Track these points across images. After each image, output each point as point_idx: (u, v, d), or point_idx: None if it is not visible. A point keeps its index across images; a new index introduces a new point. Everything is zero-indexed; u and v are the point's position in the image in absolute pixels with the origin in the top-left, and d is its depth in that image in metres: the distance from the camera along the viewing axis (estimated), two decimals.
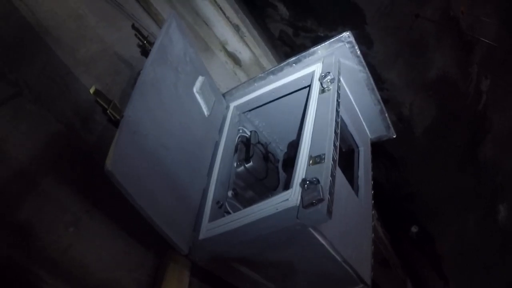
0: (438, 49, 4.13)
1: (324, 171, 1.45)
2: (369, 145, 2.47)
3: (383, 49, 4.00)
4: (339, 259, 1.61)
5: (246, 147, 2.28)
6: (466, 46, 4.15)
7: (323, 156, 1.52)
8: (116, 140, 1.43)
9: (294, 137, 2.53)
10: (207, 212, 1.81)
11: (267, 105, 2.40)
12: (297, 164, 1.60)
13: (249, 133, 2.40)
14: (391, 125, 2.46)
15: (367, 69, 2.19)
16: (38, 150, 1.90)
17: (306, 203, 1.33)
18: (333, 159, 1.53)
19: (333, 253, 1.56)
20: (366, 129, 2.47)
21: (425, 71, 4.18)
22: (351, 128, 2.27)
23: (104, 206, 2.03)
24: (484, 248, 4.41)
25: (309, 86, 2.12)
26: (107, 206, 2.04)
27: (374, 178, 2.36)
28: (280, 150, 2.70)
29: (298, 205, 1.42)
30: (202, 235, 1.73)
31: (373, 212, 2.16)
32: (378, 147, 2.58)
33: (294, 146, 2.41)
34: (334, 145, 1.60)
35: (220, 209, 1.89)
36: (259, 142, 2.39)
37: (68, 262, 1.82)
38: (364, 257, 1.87)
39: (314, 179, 1.39)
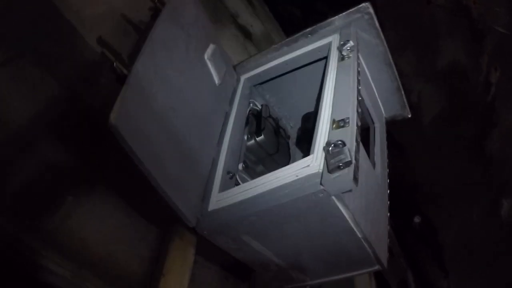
0: (449, 37, 3.96)
1: (350, 135, 1.29)
2: (384, 123, 2.31)
3: (393, 35, 3.84)
4: (359, 235, 1.45)
5: (257, 120, 2.12)
6: (477, 35, 3.98)
7: (348, 120, 1.36)
8: (122, 94, 1.27)
9: (306, 112, 2.37)
10: (217, 182, 1.65)
11: (279, 78, 2.24)
12: (317, 129, 1.44)
13: (260, 107, 2.23)
14: (406, 104, 2.30)
15: (385, 42, 2.04)
16: (38, 114, 1.75)
17: (332, 167, 1.17)
18: (357, 124, 1.38)
19: (354, 227, 1.40)
20: (381, 106, 2.31)
21: (436, 59, 4.01)
22: (367, 103, 2.11)
23: (106, 176, 1.88)
24: (486, 243, 4.26)
25: (326, 57, 1.97)
26: (109, 176, 1.89)
27: None
28: (290, 127, 2.54)
29: (321, 171, 1.26)
30: (211, 206, 1.56)
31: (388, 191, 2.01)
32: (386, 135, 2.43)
33: (309, 118, 2.26)
34: (357, 111, 1.45)
35: (231, 180, 1.72)
36: (270, 116, 2.23)
37: (65, 233, 1.66)
38: (382, 237, 1.71)
39: (339, 142, 1.23)
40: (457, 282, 4.46)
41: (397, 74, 2.18)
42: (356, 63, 1.75)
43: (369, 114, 2.17)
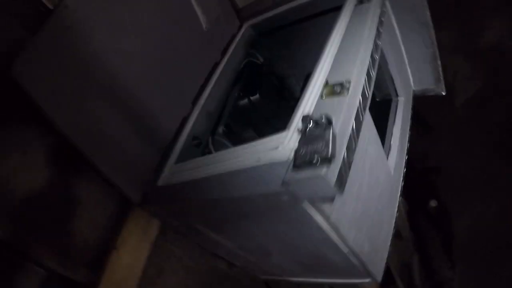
0: (498, 15, 3.15)
1: (344, 108, 0.75)
2: (411, 97, 1.71)
3: (436, 2, 3.09)
4: (344, 250, 0.95)
5: (254, 76, 1.58)
6: None
7: (347, 85, 0.82)
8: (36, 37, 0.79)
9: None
10: (177, 150, 1.16)
11: (291, 27, 1.67)
12: (304, 95, 0.90)
13: (261, 60, 1.68)
14: (442, 77, 1.69)
15: None
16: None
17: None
18: (363, 94, 0.84)
19: (336, 242, 0.90)
20: (410, 76, 1.70)
21: (479, 36, 3.23)
22: (392, 68, 1.51)
23: None
24: (500, 240, 3.60)
25: None
26: None
27: None
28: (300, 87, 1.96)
29: (290, 160, 0.74)
30: (162, 180, 1.08)
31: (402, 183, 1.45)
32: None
33: None
34: (368, 73, 0.90)
35: (197, 148, 1.23)
36: (273, 73, 1.67)
37: None
38: (381, 246, 1.20)
39: (323, 118, 0.70)
40: (462, 276, 3.90)
41: (434, 38, 1.57)
42: (378, 9, 1.17)
43: (393, 83, 1.57)
